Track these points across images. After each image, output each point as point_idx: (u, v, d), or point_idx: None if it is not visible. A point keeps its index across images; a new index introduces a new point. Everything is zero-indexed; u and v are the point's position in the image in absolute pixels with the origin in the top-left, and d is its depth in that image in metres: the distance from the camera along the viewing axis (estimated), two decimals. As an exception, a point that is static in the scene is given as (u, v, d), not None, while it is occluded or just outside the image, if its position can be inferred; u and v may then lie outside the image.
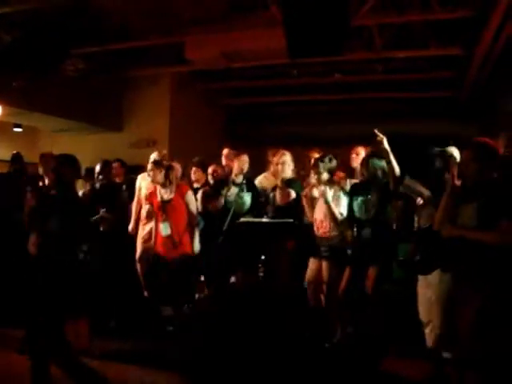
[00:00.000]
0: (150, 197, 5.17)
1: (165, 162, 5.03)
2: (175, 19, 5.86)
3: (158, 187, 5.07)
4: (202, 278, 5.75)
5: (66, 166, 3.78)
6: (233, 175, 5.46)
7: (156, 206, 5.06)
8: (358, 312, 4.60)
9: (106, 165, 5.62)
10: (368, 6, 5.17)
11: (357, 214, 4.55)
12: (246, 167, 5.51)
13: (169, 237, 4.97)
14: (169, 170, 5.01)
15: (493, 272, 2.81)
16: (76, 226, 3.69)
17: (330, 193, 4.59)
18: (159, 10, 5.72)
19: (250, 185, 5.37)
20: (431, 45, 6.20)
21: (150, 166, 5.01)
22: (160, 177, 4.97)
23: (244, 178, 5.39)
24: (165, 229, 4.96)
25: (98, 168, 5.56)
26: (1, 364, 4.30)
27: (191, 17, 5.83)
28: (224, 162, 5.93)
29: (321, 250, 4.62)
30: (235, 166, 5.46)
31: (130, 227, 5.62)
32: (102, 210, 5.23)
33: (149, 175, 5.07)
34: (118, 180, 6.24)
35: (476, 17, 5.26)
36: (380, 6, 5.31)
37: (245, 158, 5.55)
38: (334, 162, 4.74)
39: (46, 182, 5.23)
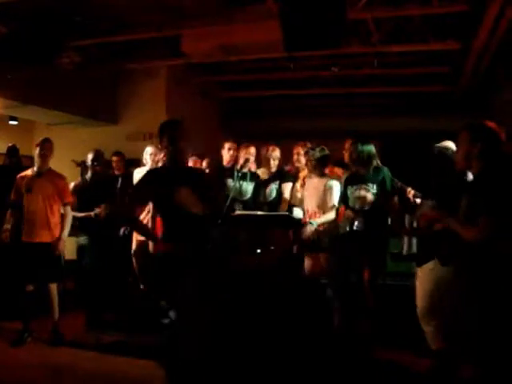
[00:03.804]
0: None
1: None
2: (171, 12, 5.83)
3: None
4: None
5: None
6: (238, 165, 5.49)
7: None
8: (355, 305, 4.62)
9: (99, 154, 5.54)
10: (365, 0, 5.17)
11: (351, 204, 4.57)
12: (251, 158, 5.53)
13: None
14: None
15: (476, 261, 2.77)
16: None
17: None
18: (155, 2, 5.69)
19: (253, 175, 5.38)
20: (428, 39, 6.19)
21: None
22: None
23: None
24: None
25: (91, 156, 5.46)
26: None
27: (188, 10, 5.79)
28: (226, 153, 5.83)
29: (316, 242, 4.64)
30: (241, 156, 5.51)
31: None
32: (95, 212, 5.22)
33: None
34: (117, 173, 6.25)
35: (473, 10, 5.25)
36: (377, -1, 5.30)
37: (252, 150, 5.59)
38: (324, 153, 4.78)
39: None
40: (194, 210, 3.29)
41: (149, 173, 3.88)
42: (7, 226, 4.82)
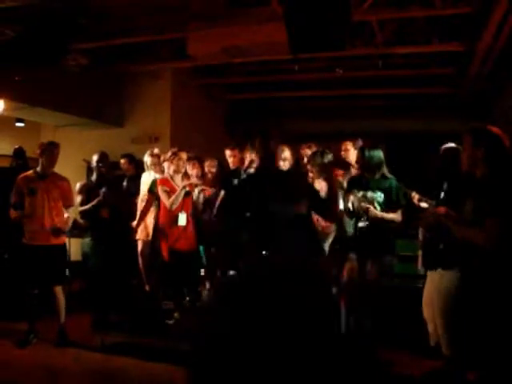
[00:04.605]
0: (164, 184, 5.21)
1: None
2: (177, 14, 5.86)
3: (173, 179, 5.15)
4: (202, 272, 5.79)
5: None
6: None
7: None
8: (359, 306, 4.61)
9: (104, 155, 5.53)
10: (369, 1, 5.18)
11: (355, 207, 4.53)
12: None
13: (183, 228, 5.05)
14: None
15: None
16: None
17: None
18: (161, 5, 5.72)
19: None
20: (432, 41, 6.19)
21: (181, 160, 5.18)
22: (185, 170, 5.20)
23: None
24: (183, 219, 5.03)
25: (96, 158, 5.44)
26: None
27: (193, 12, 5.82)
28: (228, 159, 5.85)
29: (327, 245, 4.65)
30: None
31: (135, 223, 5.68)
32: (103, 191, 5.15)
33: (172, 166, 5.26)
34: (127, 175, 6.31)
35: (477, 12, 5.25)
36: (381, 1, 5.31)
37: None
38: (328, 157, 4.76)
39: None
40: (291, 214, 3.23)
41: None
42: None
